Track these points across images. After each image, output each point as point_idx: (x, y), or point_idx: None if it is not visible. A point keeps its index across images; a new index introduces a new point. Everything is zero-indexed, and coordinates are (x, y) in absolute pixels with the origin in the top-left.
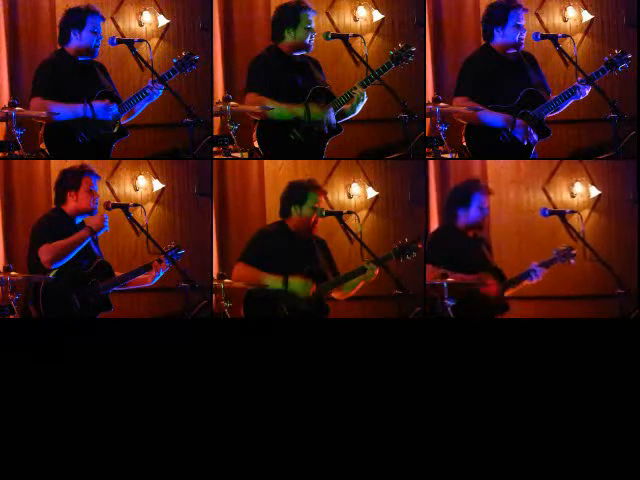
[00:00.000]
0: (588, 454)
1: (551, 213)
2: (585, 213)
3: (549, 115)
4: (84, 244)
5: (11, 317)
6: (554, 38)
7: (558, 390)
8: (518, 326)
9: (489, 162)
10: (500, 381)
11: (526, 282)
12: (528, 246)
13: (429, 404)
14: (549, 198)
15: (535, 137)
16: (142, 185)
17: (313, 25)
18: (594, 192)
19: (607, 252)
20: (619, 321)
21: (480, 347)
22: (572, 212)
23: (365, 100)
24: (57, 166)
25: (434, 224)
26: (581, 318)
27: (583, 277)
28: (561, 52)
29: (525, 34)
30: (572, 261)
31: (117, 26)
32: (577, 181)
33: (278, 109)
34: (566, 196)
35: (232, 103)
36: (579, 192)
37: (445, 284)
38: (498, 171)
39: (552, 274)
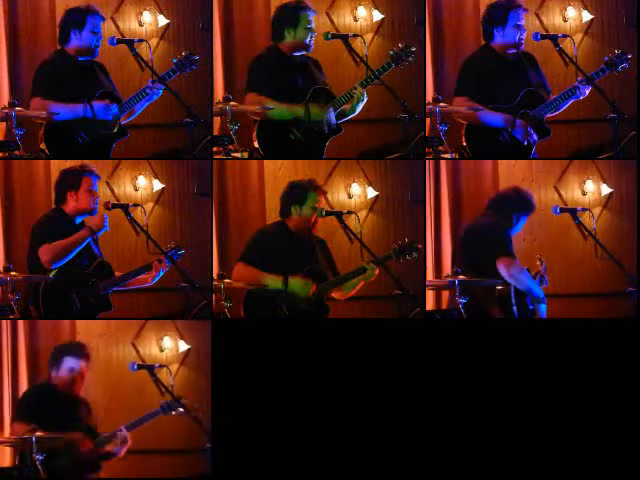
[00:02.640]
0: (601, 457)
1: (562, 211)
2: (597, 211)
3: (549, 115)
4: (84, 244)
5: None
6: (554, 38)
7: (568, 390)
8: (520, 326)
9: (500, 160)
10: (505, 382)
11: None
12: (539, 244)
13: (429, 404)
14: (560, 196)
15: (535, 137)
16: (142, 185)
17: (313, 25)
18: (605, 190)
19: (619, 250)
20: (629, 320)
21: (484, 347)
22: (584, 210)
23: (365, 100)
24: (57, 166)
25: (445, 225)
26: (589, 318)
27: (595, 275)
28: (561, 52)
29: (525, 34)
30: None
31: (117, 26)
32: (588, 179)
33: (278, 109)
34: (577, 194)
35: (232, 103)
36: (590, 190)
37: (457, 281)
38: (509, 169)
39: (564, 272)
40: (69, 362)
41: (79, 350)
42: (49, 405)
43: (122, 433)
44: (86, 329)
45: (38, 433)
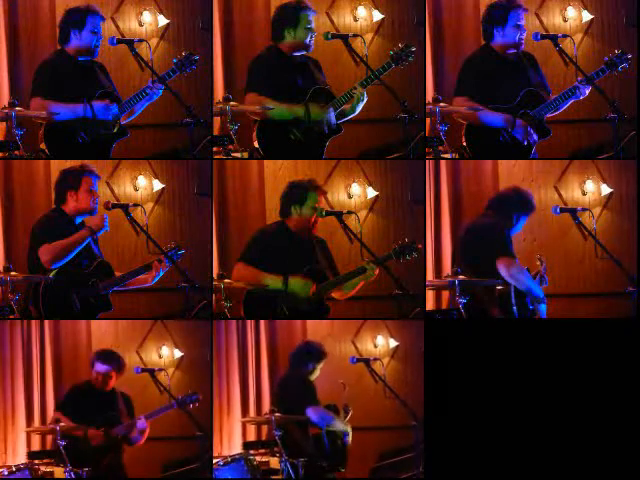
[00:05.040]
0: (602, 456)
1: (562, 211)
2: (597, 211)
3: (549, 115)
4: (84, 244)
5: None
6: (554, 38)
7: (568, 390)
8: (521, 326)
9: (500, 160)
10: (505, 382)
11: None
12: (539, 244)
13: (429, 404)
14: (560, 196)
15: (535, 137)
16: (142, 185)
17: (313, 25)
18: (605, 190)
19: (619, 250)
20: (629, 320)
21: (484, 347)
22: (584, 210)
23: (365, 100)
24: (57, 166)
25: (445, 225)
26: (589, 318)
27: (595, 275)
28: (561, 52)
29: (525, 34)
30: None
31: (117, 26)
32: (588, 179)
33: (278, 109)
34: (577, 194)
35: (232, 103)
36: (590, 190)
37: (457, 281)
38: (509, 169)
39: (564, 272)
40: (98, 367)
41: (110, 359)
42: (86, 397)
43: (141, 421)
44: (99, 338)
45: (62, 424)
